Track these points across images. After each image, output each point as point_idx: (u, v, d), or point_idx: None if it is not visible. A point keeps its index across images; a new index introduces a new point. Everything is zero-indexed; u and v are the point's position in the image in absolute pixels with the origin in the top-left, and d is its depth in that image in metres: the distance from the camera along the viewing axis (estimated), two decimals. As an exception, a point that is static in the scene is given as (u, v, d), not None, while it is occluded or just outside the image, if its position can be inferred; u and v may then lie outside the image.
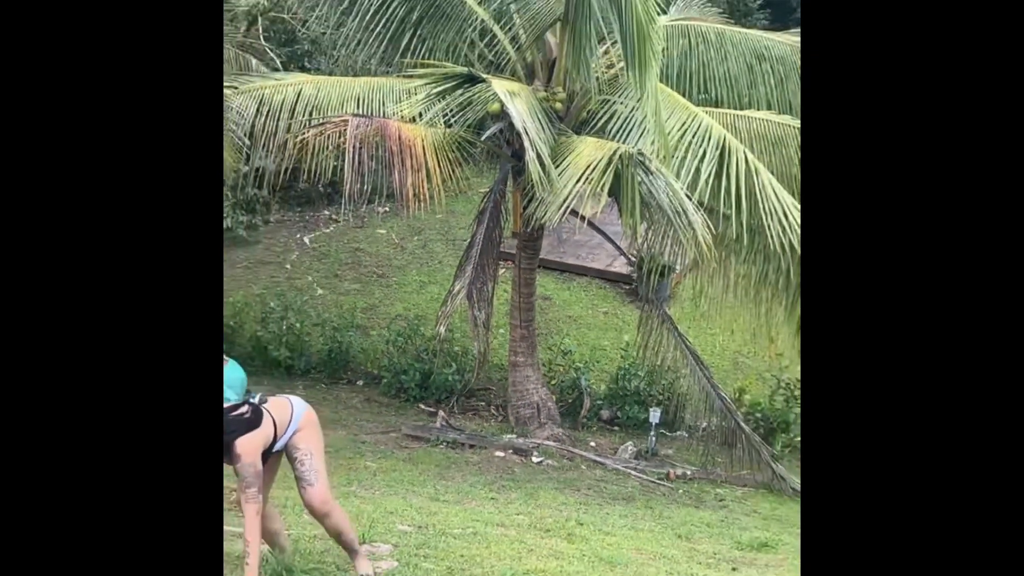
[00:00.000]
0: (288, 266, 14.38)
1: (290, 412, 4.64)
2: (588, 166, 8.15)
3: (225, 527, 5.14)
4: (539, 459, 9.48)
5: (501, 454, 9.50)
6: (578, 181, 8.15)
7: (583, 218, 9.38)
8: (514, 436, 9.90)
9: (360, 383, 11.42)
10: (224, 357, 7.40)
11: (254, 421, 4.42)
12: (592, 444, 10.21)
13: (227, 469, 4.54)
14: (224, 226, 14.38)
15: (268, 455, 4.54)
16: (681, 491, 9.11)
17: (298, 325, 11.61)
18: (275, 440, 4.54)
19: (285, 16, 14.59)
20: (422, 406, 10.75)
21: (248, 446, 4.35)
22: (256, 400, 4.56)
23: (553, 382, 11.07)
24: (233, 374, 7.39)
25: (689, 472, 9.57)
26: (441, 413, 10.35)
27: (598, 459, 9.65)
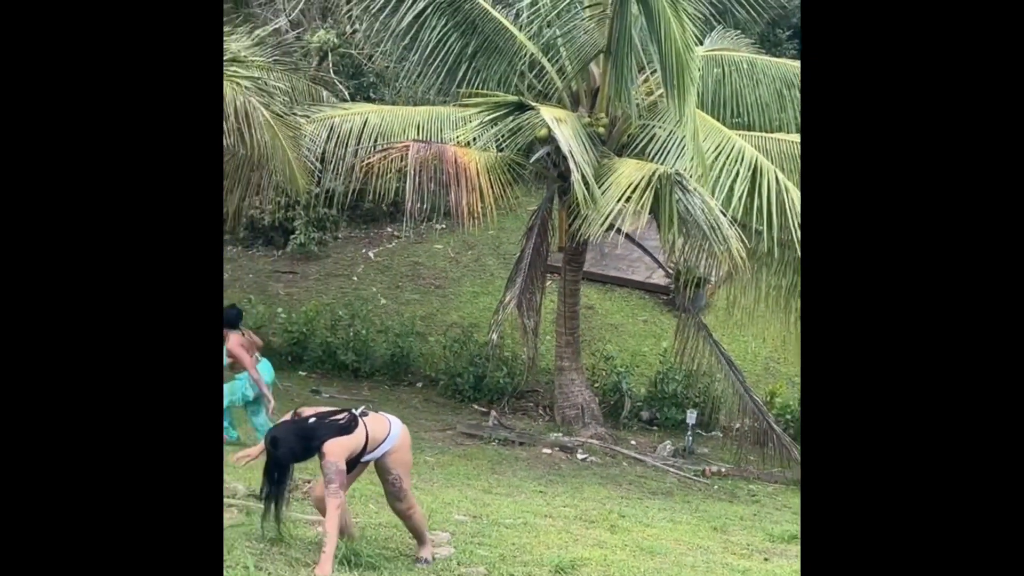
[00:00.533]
0: (355, 278, 14.53)
1: (387, 431, 4.68)
2: (629, 186, 8.14)
3: (298, 515, 5.21)
4: (583, 456, 9.44)
5: (548, 451, 9.48)
6: (619, 199, 8.15)
7: (624, 234, 9.36)
8: (560, 435, 9.88)
9: (419, 385, 11.48)
10: (258, 356, 7.57)
11: (347, 428, 4.49)
12: (633, 443, 10.15)
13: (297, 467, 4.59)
14: (298, 242, 14.57)
15: (356, 462, 4.58)
16: (716, 487, 9.02)
17: (364, 332, 11.72)
18: (364, 451, 4.58)
19: (353, 51, 14.77)
20: (476, 406, 10.77)
21: (335, 447, 4.41)
22: (358, 411, 4.62)
23: (596, 385, 11.03)
24: (260, 372, 7.51)
25: (723, 469, 9.47)
26: (493, 413, 10.36)
27: (638, 456, 9.58)
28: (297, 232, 14.65)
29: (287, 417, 4.67)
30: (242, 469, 6.33)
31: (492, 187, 8.55)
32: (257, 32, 10.08)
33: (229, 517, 5.03)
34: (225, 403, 7.34)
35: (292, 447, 4.37)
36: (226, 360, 7.37)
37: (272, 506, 4.45)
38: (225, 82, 8.72)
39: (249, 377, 7.40)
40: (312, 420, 4.48)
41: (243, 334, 7.47)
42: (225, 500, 5.26)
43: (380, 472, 4.74)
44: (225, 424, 7.48)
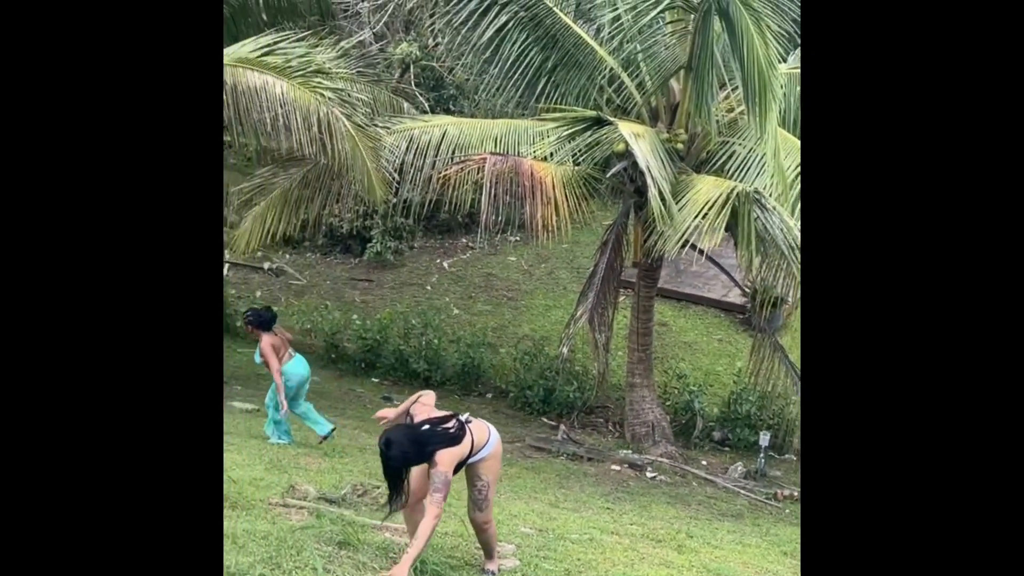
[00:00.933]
0: (429, 288, 14.69)
1: (486, 439, 4.74)
2: (706, 203, 8.06)
3: (365, 519, 5.28)
4: (652, 474, 9.36)
5: (617, 468, 9.42)
6: (696, 216, 8.07)
7: (700, 251, 9.27)
8: (629, 452, 9.81)
9: (489, 396, 11.53)
10: (291, 352, 7.75)
11: (457, 437, 4.56)
12: (703, 463, 10.01)
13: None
14: (375, 250, 14.81)
15: (458, 468, 4.64)
16: (788, 511, 8.83)
17: (436, 341, 11.83)
18: (467, 458, 4.65)
19: (434, 64, 14.98)
20: (545, 419, 10.77)
21: (446, 457, 4.49)
22: (463, 419, 4.68)
23: (668, 403, 10.93)
24: (294, 369, 7.70)
25: (796, 493, 9.28)
26: (562, 427, 10.34)
27: (709, 477, 9.45)
28: (374, 241, 14.92)
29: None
30: (313, 472, 6.46)
31: (567, 201, 8.57)
32: (342, 44, 10.31)
33: (299, 519, 5.13)
34: (269, 404, 7.65)
35: (405, 450, 4.43)
36: (258, 360, 7.68)
37: (395, 508, 4.53)
38: (309, 93, 8.94)
39: (285, 371, 7.63)
40: (426, 427, 4.54)
41: (275, 334, 7.69)
42: (296, 502, 5.37)
43: (470, 478, 4.78)
44: (280, 426, 7.70)
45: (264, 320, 7.64)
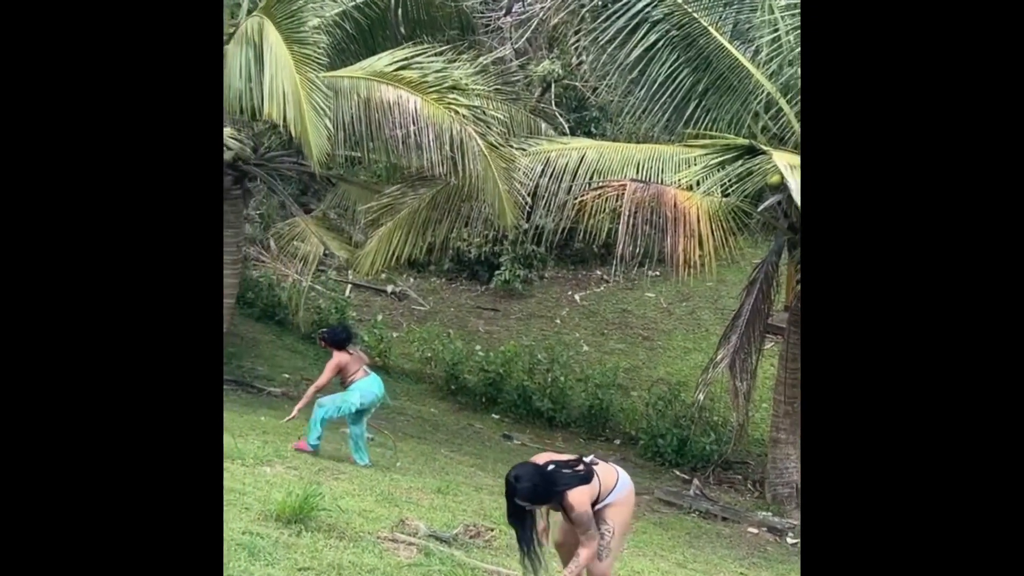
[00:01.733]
0: (558, 321, 14.79)
1: (614, 482, 4.82)
2: (868, 243, 7.86)
3: (476, 562, 5.36)
4: (794, 541, 9.10)
5: (754, 531, 9.21)
6: (856, 258, 7.87)
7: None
8: (769, 514, 9.58)
9: (617, 442, 11.49)
10: (365, 369, 7.97)
11: (586, 477, 4.68)
12: (852, 533, 9.67)
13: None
14: (503, 278, 15.05)
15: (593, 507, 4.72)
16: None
17: (562, 379, 11.90)
18: (597, 501, 4.73)
19: (577, 84, 15.18)
20: (677, 472, 10.65)
21: (580, 497, 4.61)
22: (588, 460, 4.78)
23: (815, 463, 10.62)
24: (368, 387, 7.90)
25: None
26: (696, 481, 10.20)
27: (858, 550, 9.12)
28: (503, 268, 15.16)
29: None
30: (424, 507, 6.61)
31: (713, 234, 8.52)
32: (481, 60, 10.60)
33: (407, 555, 5.26)
34: (337, 413, 7.94)
35: (535, 485, 4.55)
36: (328, 375, 8.04)
37: (527, 549, 4.63)
38: (443, 109, 9.25)
39: (359, 387, 7.94)
40: (552, 467, 4.65)
41: (349, 354, 8.01)
42: (406, 537, 5.51)
43: (595, 523, 4.82)
44: (359, 443, 8.07)
45: (338, 339, 8.07)
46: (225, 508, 5.23)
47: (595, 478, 4.68)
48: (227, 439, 7.32)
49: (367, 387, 8.00)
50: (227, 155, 10.05)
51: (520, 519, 4.59)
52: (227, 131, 9.32)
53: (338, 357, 7.98)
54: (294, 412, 8.17)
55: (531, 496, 4.52)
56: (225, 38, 9.94)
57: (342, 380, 8.05)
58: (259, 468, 6.76)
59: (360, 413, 8.04)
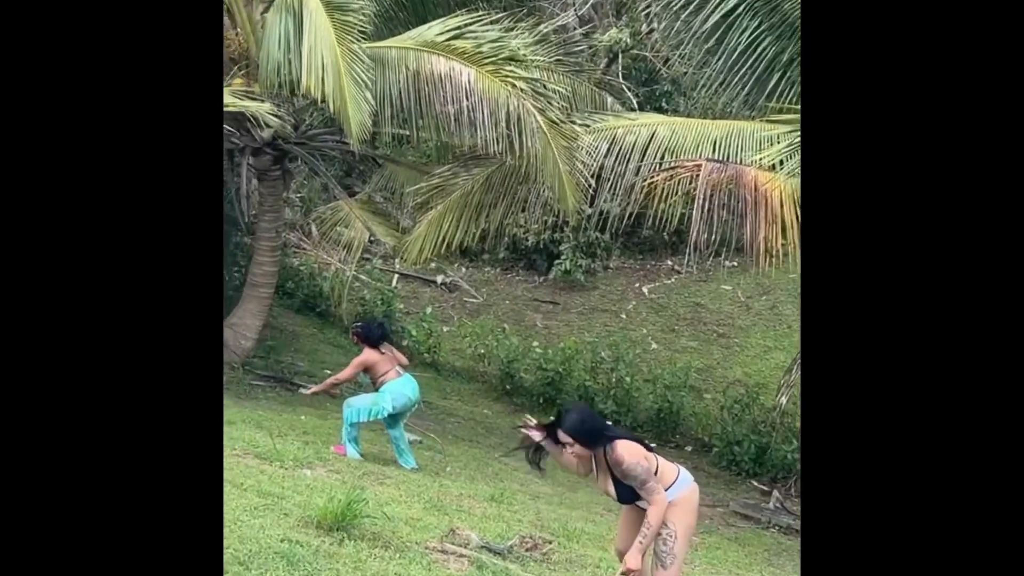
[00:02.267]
0: (623, 315, 14.72)
1: (673, 479, 4.78)
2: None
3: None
4: (885, 561, 8.96)
5: (841, 549, 9.09)
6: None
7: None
8: (858, 531, 9.44)
9: (688, 449, 11.40)
10: (398, 370, 8.01)
11: (644, 443, 4.72)
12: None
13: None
14: (563, 268, 15.02)
15: (636, 495, 4.68)
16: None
17: (628, 379, 11.83)
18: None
19: (647, 54, 15.06)
20: (754, 483, 10.53)
21: (632, 448, 4.60)
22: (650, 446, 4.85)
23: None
24: (401, 389, 7.91)
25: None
26: (776, 493, 10.08)
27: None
28: (563, 257, 15.12)
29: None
30: (477, 517, 6.61)
31: (797, 221, 8.38)
32: (541, 28, 10.56)
33: (458, 568, 5.26)
34: (368, 417, 8.01)
35: (584, 420, 4.64)
36: (352, 371, 8.20)
37: (530, 461, 4.88)
38: (499, 82, 9.22)
39: (390, 389, 7.99)
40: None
41: (382, 352, 8.06)
42: (456, 548, 5.51)
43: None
44: (400, 445, 8.16)
45: (371, 335, 8.12)
46: (262, 513, 5.28)
47: (655, 457, 4.69)
48: (265, 439, 7.40)
49: (399, 389, 8.00)
50: (266, 133, 10.13)
51: (536, 455, 4.79)
52: (266, 106, 9.38)
53: (366, 355, 8.03)
54: (310, 391, 8.71)
55: (576, 429, 4.56)
56: (264, 5, 10.03)
57: (372, 379, 8.12)
58: (299, 471, 6.81)
59: (394, 417, 8.07)
